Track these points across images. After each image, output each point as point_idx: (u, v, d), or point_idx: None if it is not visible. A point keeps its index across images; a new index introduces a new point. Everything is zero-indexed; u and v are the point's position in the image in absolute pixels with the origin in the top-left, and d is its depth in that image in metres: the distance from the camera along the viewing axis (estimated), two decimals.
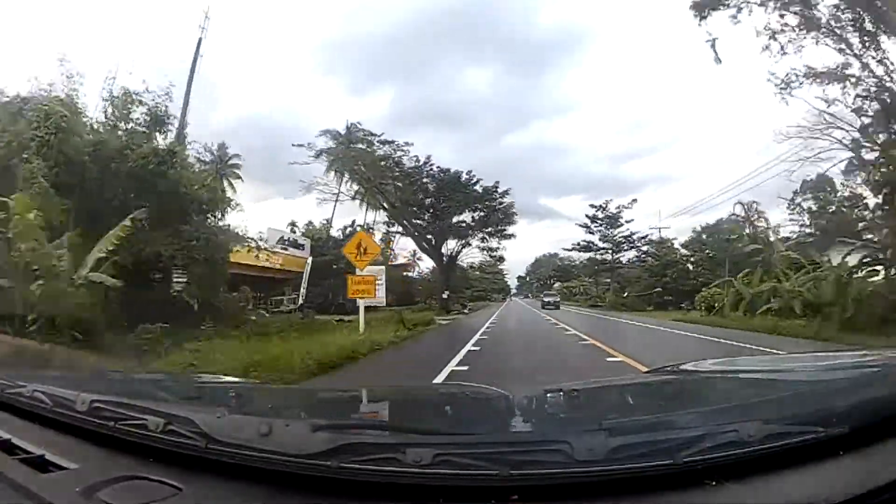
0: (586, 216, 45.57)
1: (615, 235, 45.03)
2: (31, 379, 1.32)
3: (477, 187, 36.11)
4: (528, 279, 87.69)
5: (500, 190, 36.47)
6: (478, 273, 59.33)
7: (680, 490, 0.74)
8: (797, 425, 0.80)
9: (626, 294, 41.63)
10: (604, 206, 45.10)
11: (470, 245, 39.01)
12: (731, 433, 0.77)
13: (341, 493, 0.77)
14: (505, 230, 38.35)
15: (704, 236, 39.24)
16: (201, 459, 0.85)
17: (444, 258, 38.32)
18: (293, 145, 33.92)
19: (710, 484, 0.75)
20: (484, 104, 61.00)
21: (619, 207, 44.60)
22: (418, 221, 37.01)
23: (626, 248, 45.41)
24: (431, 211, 35.94)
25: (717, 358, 2.03)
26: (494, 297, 68.13)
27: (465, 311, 36.70)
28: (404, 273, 40.90)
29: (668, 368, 1.78)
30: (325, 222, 38.87)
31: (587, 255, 48.15)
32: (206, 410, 1.01)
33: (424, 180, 35.46)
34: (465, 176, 35.65)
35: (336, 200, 37.74)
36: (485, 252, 39.83)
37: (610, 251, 46.01)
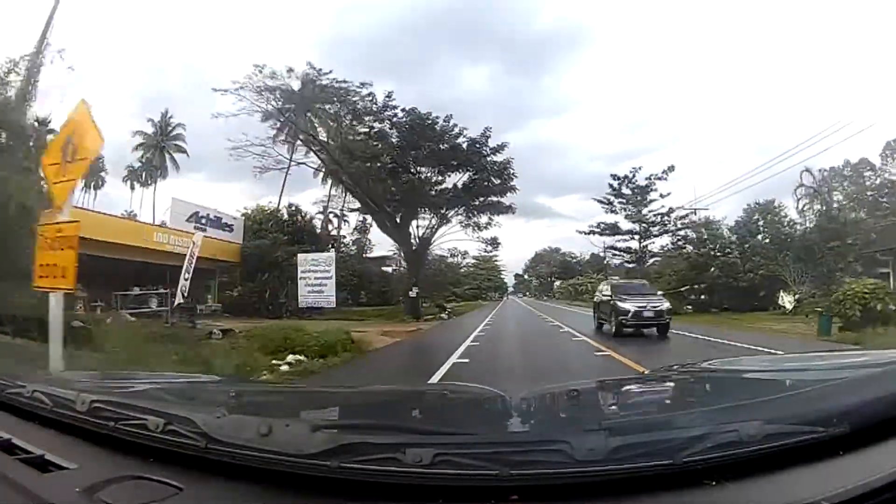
0: (610, 185, 33.22)
1: (647, 215, 32.86)
2: (31, 379, 1.32)
3: (461, 140, 25.44)
4: (526, 277, 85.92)
5: (491, 142, 25.79)
6: (471, 268, 52.18)
7: (680, 490, 0.74)
8: (797, 425, 0.80)
9: None
10: (630, 176, 32.71)
11: (449, 222, 27.99)
12: (731, 433, 0.77)
13: (341, 494, 0.77)
14: (500, 201, 27.17)
15: (756, 217, 29.11)
16: (201, 459, 0.86)
17: (415, 240, 27.70)
18: (214, 90, 24.05)
19: (710, 484, 0.75)
20: (483, 103, 60.51)
21: (650, 178, 32.02)
22: (379, 189, 25.84)
23: (656, 232, 33.14)
24: (393, 170, 25.26)
25: (717, 358, 2.03)
26: (490, 295, 63.86)
27: (444, 315, 26.99)
28: (383, 268, 33.17)
29: (668, 368, 1.78)
30: (292, 206, 29.33)
31: (611, 239, 35.33)
32: (206, 410, 1.01)
33: (385, 129, 25.29)
34: (441, 122, 24.88)
35: (287, 170, 28.21)
36: (471, 230, 28.51)
37: (638, 236, 33.62)
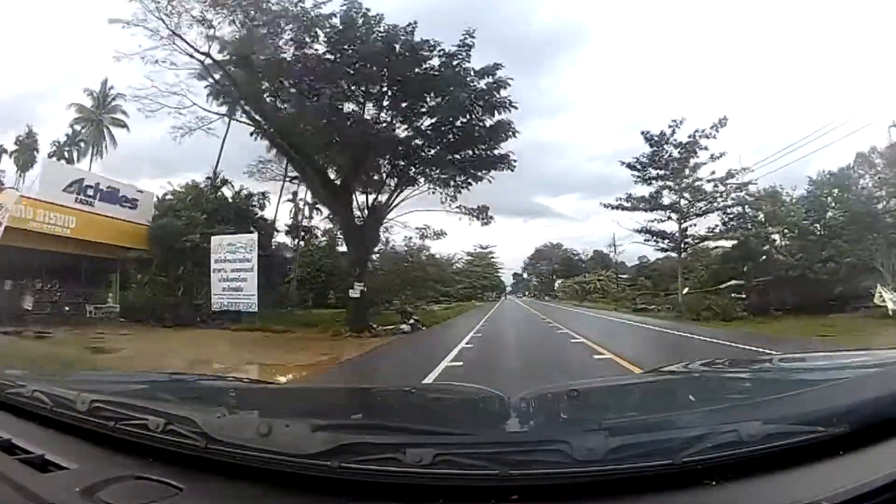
0: (648, 141, 24.04)
1: (696, 183, 23.76)
2: (31, 379, 1.32)
3: (433, 61, 16.13)
4: (525, 276, 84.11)
5: (472, 59, 16.26)
6: (465, 264, 46.34)
7: (680, 490, 0.74)
8: (797, 425, 0.80)
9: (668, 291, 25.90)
10: (667, 134, 23.60)
11: (417, 184, 18.78)
12: (731, 433, 0.77)
13: (341, 493, 0.77)
14: (491, 153, 17.81)
15: (826, 191, 21.38)
16: (201, 459, 0.86)
17: (361, 211, 18.50)
18: (110, 21, 15.73)
19: (710, 484, 0.75)
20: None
21: (694, 135, 23.08)
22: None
23: (700, 209, 23.97)
24: (318, 95, 15.91)
25: (717, 358, 2.03)
26: (487, 295, 59.42)
27: (405, 326, 17.77)
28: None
29: (668, 368, 1.78)
30: (217, 177, 22.08)
31: (642, 218, 25.41)
32: (206, 410, 1.01)
33: (312, 45, 16.15)
34: (403, 35, 15.78)
35: (224, 138, 20.90)
36: (448, 196, 18.97)
37: (677, 214, 24.42)
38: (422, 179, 18.89)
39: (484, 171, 18.39)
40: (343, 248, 24.71)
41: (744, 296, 21.07)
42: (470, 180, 18.61)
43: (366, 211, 18.66)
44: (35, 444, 0.99)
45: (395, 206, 19.26)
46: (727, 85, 63.58)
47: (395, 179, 18.76)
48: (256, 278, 15.37)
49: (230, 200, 21.63)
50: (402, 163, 18.29)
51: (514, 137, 17.31)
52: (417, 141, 17.75)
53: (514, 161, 18.18)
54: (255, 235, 16.37)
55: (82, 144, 32.84)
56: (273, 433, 0.83)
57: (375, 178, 18.82)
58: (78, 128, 32.61)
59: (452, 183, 18.85)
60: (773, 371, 1.67)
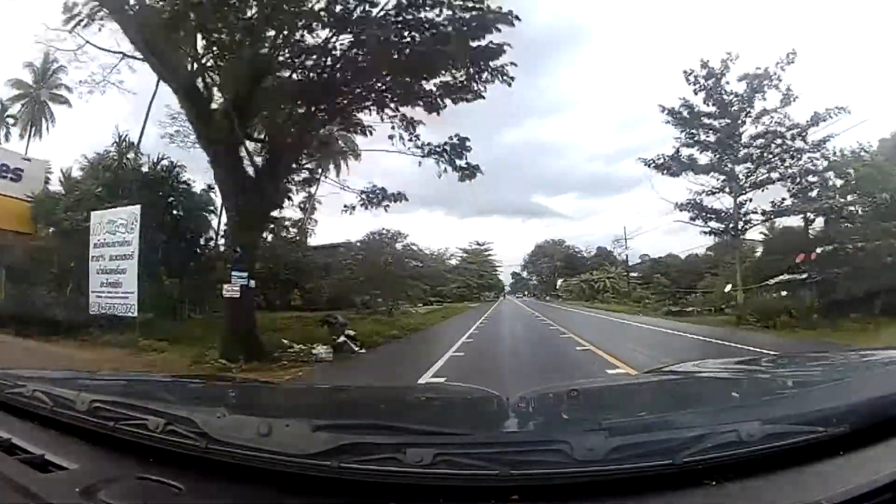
0: (696, 86, 18.07)
1: (770, 130, 17.57)
2: (31, 379, 1.32)
3: None
4: (524, 275, 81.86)
5: None
6: (459, 262, 42.91)
7: (680, 490, 0.74)
8: (797, 425, 0.80)
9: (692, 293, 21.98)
10: (720, 72, 17.91)
11: (361, 128, 12.87)
12: (731, 433, 0.77)
13: (342, 493, 0.77)
14: (482, 71, 10.54)
15: None
16: (201, 459, 0.86)
17: (258, 156, 11.42)
18: None
19: (710, 484, 0.75)
20: (479, 102, 59.00)
21: (756, 75, 17.56)
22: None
23: (760, 177, 18.06)
24: None
25: (717, 358, 2.03)
26: (484, 295, 55.60)
27: (324, 350, 10.16)
28: (340, 259, 22.61)
29: (668, 368, 1.78)
30: (123, 139, 16.19)
31: (684, 187, 19.98)
32: (206, 410, 1.01)
33: None
34: None
35: (152, 98, 16.68)
36: (413, 134, 11.81)
37: (731, 184, 18.45)
38: (369, 108, 11.70)
39: (466, 88, 11.02)
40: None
41: (784, 293, 17.53)
42: (447, 99, 11.23)
43: (262, 156, 11.44)
44: (35, 444, 0.99)
45: (318, 148, 12.35)
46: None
47: (313, 108, 11.07)
48: (136, 268, 10.74)
49: (145, 171, 16.03)
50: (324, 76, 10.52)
51: (513, 26, 10.15)
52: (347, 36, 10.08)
53: (510, 75, 10.88)
54: (137, 208, 11.28)
55: (11, 121, 27.90)
56: (273, 433, 0.83)
57: (279, 101, 11.21)
58: (19, 106, 27.86)
59: (406, 124, 11.83)
60: (773, 371, 1.67)
